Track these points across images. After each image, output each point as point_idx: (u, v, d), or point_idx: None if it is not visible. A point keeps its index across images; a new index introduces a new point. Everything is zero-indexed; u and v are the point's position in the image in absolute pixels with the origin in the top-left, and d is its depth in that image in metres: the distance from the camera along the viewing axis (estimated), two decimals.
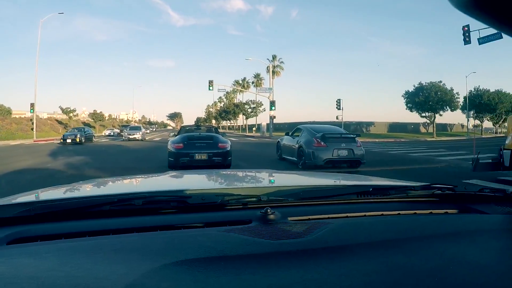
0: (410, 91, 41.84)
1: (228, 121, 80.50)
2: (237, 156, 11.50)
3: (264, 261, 0.75)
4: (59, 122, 50.78)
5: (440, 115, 41.54)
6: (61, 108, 50.24)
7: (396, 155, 15.96)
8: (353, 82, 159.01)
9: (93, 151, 17.55)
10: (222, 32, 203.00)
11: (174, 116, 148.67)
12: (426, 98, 39.56)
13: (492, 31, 18.18)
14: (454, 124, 64.58)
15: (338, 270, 0.73)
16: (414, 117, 68.93)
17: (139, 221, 1.03)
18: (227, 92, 78.19)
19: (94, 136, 30.07)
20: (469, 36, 21.01)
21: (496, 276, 0.73)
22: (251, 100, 61.40)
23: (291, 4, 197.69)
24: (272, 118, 37.85)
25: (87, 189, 1.67)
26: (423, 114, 41.83)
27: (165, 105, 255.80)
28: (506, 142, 6.12)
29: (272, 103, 36.75)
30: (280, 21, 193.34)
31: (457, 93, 41.13)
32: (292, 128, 12.60)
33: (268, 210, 0.99)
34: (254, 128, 58.11)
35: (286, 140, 11.63)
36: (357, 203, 1.26)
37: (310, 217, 1.07)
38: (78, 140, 24.38)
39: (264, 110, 58.45)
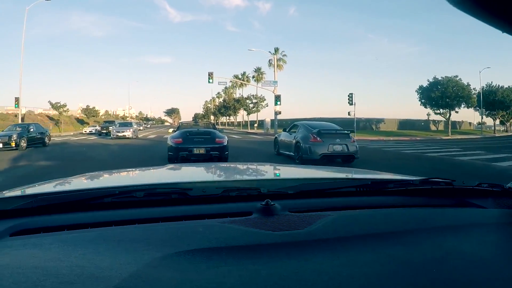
0: (425, 86, 38.68)
1: (227, 117, 77.58)
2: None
3: (265, 252, 0.76)
4: (51, 118, 47.94)
5: (456, 112, 38.49)
6: (51, 103, 46.67)
7: (434, 158, 13.24)
8: (360, 78, 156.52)
9: (16, 168, 9.86)
10: (220, 28, 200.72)
11: (172, 112, 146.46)
12: (442, 94, 36.31)
13: None
14: (462, 122, 62.30)
15: (338, 261, 0.74)
16: (422, 114, 66.49)
17: (140, 213, 1.03)
18: (226, 88, 75.14)
19: (48, 136, 19.72)
20: None
21: (492, 268, 0.74)
22: (253, 95, 58.00)
23: (289, 0, 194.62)
24: (277, 113, 34.75)
25: (88, 182, 1.64)
26: (437, 111, 38.83)
27: (162, 101, 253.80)
28: None
29: (277, 98, 33.76)
30: (278, 17, 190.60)
31: (474, 88, 38.36)
32: None
33: (269, 202, 0.99)
34: (255, 125, 55.18)
35: (284, 136, 11.99)
36: (356, 196, 1.27)
37: (310, 209, 1.07)
38: (13, 144, 15.32)
39: (267, 106, 55.24)
